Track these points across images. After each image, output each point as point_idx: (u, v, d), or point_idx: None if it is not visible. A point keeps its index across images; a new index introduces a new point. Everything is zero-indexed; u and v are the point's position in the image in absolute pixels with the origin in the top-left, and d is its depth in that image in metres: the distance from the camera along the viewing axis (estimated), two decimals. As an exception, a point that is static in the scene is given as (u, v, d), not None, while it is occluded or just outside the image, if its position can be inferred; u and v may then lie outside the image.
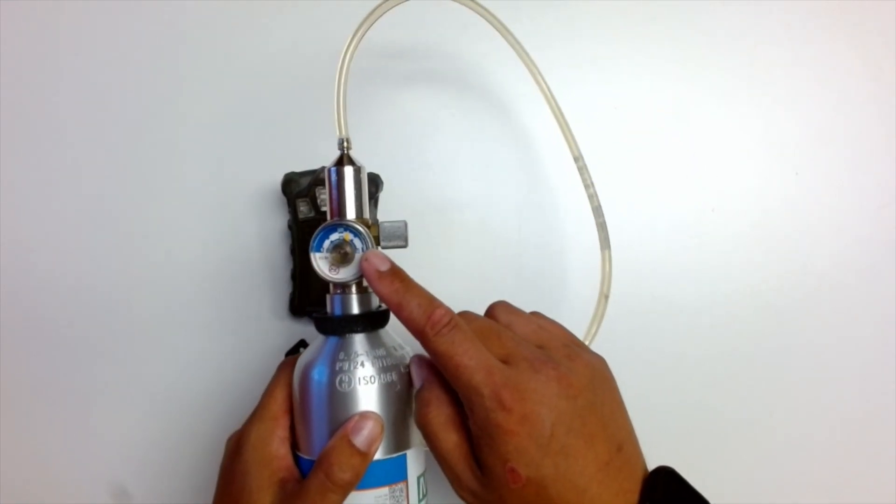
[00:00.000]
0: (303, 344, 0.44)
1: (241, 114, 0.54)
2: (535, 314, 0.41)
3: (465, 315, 0.38)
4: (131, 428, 0.56)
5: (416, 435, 0.40)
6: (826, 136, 0.55)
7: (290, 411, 0.40)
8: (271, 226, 0.54)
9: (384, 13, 0.42)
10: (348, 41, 0.41)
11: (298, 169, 0.52)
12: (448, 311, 0.36)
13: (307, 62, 0.54)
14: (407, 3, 0.41)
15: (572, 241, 0.54)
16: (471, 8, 0.44)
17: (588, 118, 0.54)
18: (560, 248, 0.54)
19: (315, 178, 0.51)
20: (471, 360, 0.34)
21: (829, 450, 0.55)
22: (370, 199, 0.51)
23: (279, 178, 0.52)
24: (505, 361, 0.35)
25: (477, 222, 0.55)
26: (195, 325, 0.55)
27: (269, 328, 0.54)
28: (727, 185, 0.55)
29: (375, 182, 0.52)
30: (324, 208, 0.50)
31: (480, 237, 0.55)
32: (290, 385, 0.40)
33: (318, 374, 0.38)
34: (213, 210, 0.55)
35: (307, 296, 0.52)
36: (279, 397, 0.40)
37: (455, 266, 0.55)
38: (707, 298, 0.55)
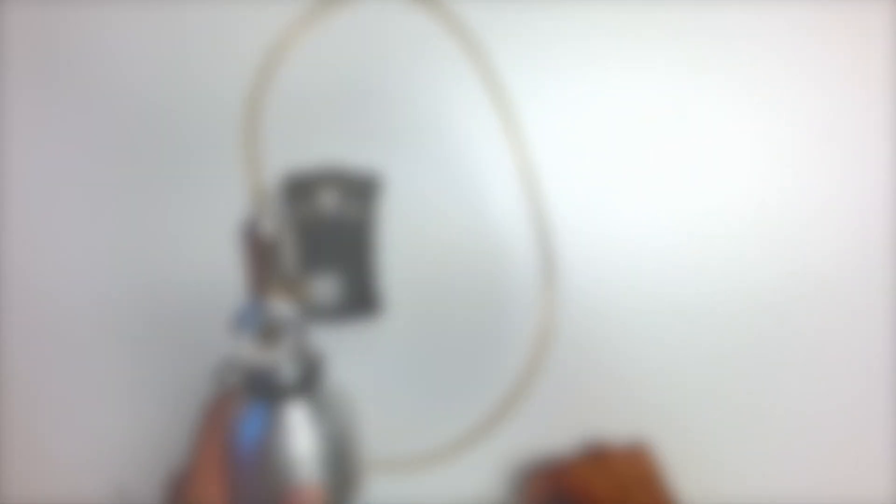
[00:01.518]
0: (233, 369, 0.40)
1: (241, 113, 0.54)
2: None
3: None
4: (131, 428, 0.56)
5: (355, 492, 0.39)
6: (826, 136, 0.55)
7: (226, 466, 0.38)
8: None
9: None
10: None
11: (298, 168, 0.52)
12: None
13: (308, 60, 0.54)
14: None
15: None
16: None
17: (588, 118, 0.54)
18: (561, 246, 0.55)
19: (316, 179, 0.51)
20: None
21: (829, 450, 0.55)
22: (370, 201, 0.51)
23: (278, 178, 0.52)
24: None
25: (477, 221, 0.55)
26: (195, 325, 0.55)
27: (269, 328, 0.54)
28: (727, 185, 0.55)
29: (375, 182, 0.52)
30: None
31: (481, 236, 0.55)
32: (222, 438, 0.38)
33: (251, 443, 0.36)
34: (213, 210, 0.55)
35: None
36: (213, 453, 0.38)
37: (456, 265, 0.55)
38: (707, 298, 0.55)
